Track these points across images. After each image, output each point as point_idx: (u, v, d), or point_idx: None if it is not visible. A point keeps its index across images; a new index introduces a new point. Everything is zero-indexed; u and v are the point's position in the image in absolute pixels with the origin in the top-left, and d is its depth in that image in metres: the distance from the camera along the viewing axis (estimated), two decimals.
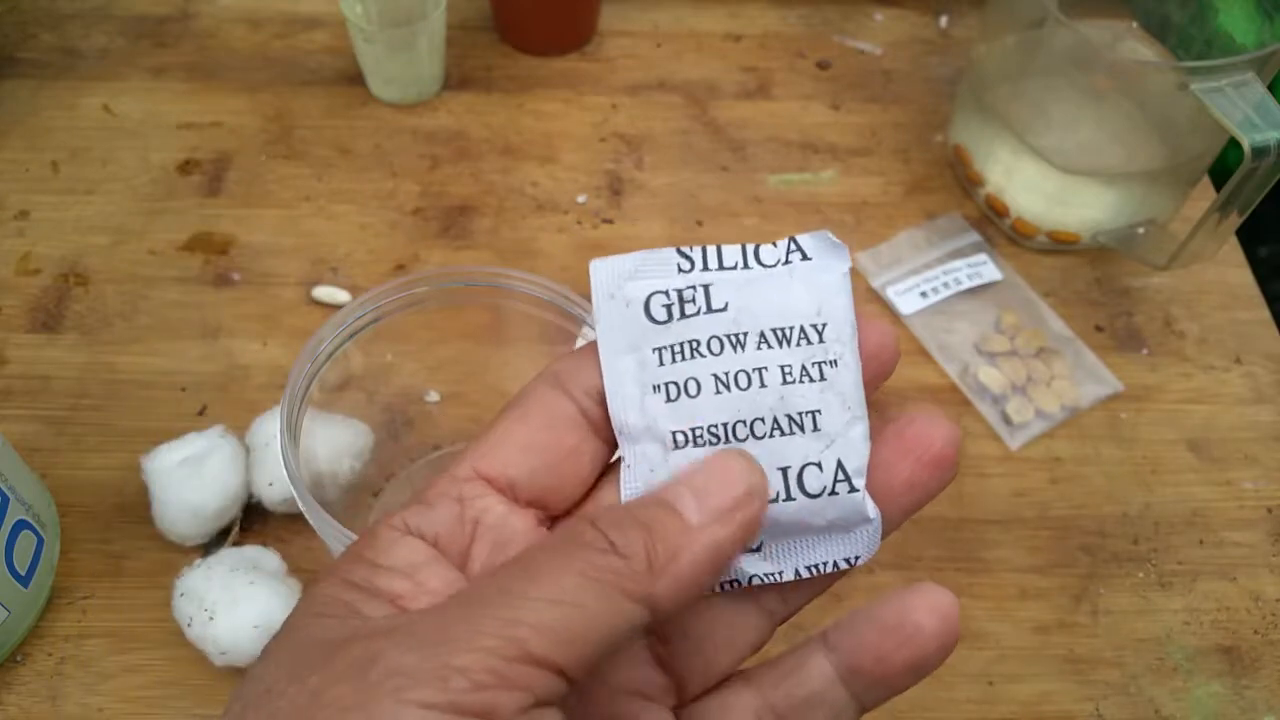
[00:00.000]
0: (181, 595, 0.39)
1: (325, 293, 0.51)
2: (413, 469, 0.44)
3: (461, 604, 0.18)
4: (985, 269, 0.53)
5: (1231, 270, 0.55)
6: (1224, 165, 0.50)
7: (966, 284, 0.53)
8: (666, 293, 0.21)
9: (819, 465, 0.21)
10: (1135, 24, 0.55)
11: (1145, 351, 0.52)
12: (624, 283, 0.22)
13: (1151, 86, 0.51)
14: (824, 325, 0.21)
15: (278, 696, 0.17)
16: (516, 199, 0.56)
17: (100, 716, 0.39)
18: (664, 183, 0.57)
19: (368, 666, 0.17)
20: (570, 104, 0.61)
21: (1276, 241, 0.76)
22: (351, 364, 0.36)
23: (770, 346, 0.21)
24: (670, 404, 0.21)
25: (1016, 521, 0.46)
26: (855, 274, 0.54)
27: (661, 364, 0.21)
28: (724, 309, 0.21)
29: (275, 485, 0.42)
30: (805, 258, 0.22)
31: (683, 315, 0.21)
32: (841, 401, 0.21)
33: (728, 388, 0.21)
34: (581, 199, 0.56)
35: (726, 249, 0.22)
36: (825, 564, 0.22)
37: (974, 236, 0.55)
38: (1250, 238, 0.56)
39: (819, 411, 0.21)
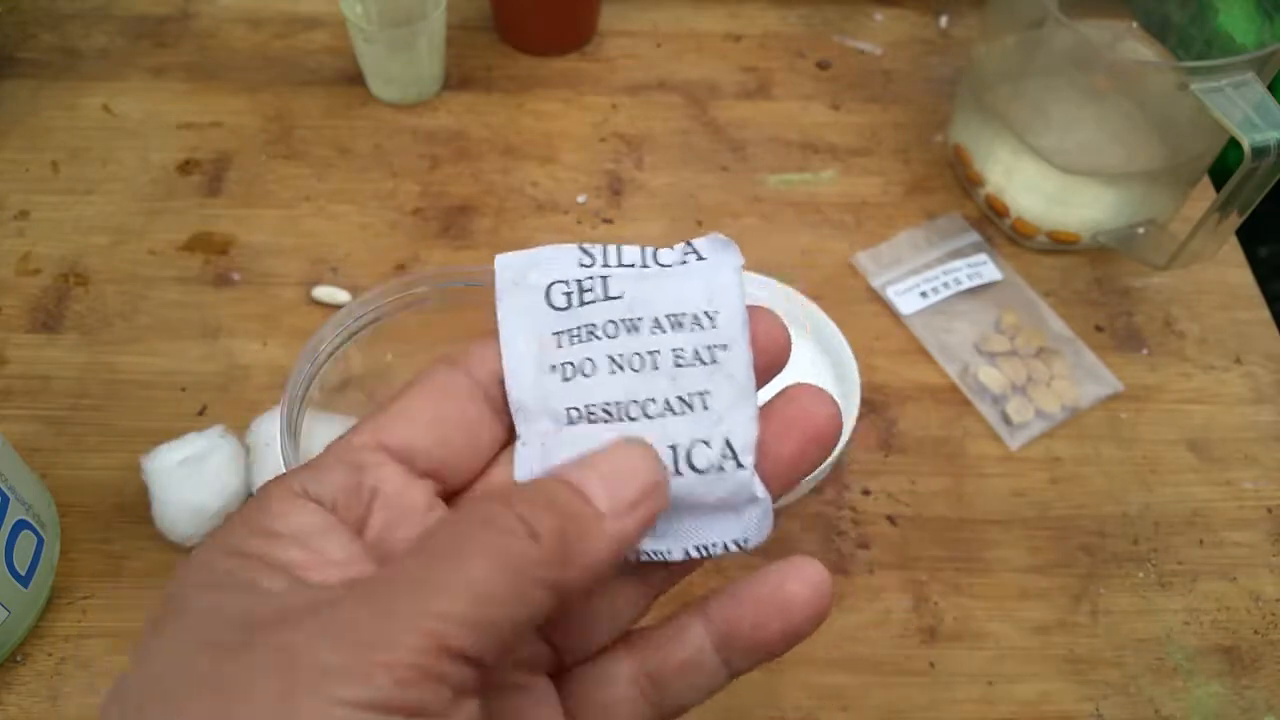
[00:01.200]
0: None
1: (325, 293, 0.51)
2: None
3: (379, 593, 0.17)
4: (985, 269, 0.53)
5: (1231, 270, 0.55)
6: (1224, 165, 0.50)
7: (966, 284, 0.53)
8: (567, 282, 0.22)
9: (707, 443, 0.21)
10: (1135, 24, 0.55)
11: (1145, 351, 0.52)
12: (527, 272, 0.23)
13: (1151, 86, 0.51)
14: (716, 313, 0.22)
15: (184, 695, 0.17)
16: (516, 199, 0.56)
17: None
18: (664, 183, 0.57)
19: (288, 664, 0.16)
20: (570, 104, 0.61)
21: (1277, 241, 0.76)
22: (351, 364, 0.36)
23: (664, 331, 0.22)
24: (566, 383, 0.22)
25: (1016, 521, 0.46)
26: (855, 273, 0.54)
27: (559, 346, 0.22)
28: (620, 297, 0.22)
29: None
30: (700, 258, 0.23)
31: (581, 303, 0.22)
32: (731, 383, 0.22)
33: (621, 368, 0.22)
34: (581, 199, 0.56)
35: (627, 249, 0.23)
36: (714, 545, 0.22)
37: (974, 236, 0.55)
38: (1250, 238, 0.56)
39: (708, 392, 0.22)
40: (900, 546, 0.45)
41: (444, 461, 0.22)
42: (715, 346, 0.22)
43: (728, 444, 0.21)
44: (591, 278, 0.22)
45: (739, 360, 0.22)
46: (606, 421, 0.22)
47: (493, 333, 0.23)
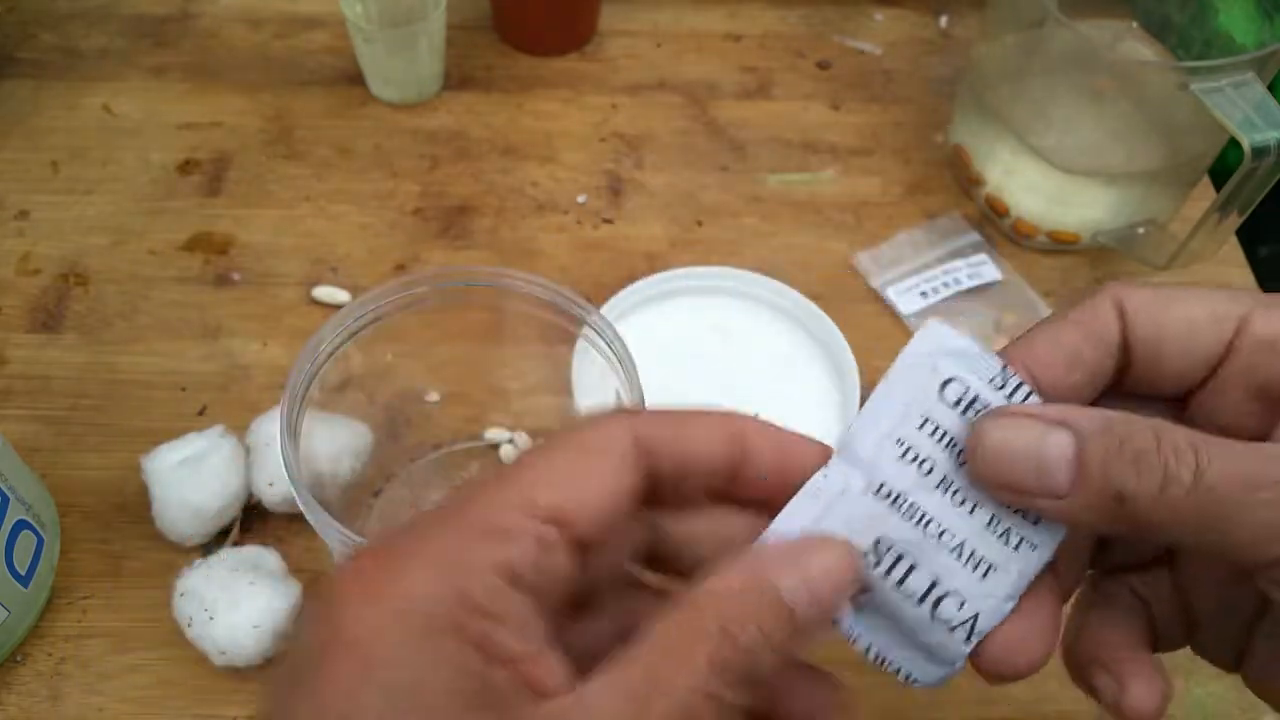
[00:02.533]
0: (181, 595, 0.39)
1: (325, 293, 0.51)
2: (413, 469, 0.44)
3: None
4: (985, 269, 0.53)
5: (1231, 270, 0.55)
6: (1224, 165, 0.50)
7: (966, 284, 0.53)
8: (968, 390, 0.22)
9: (961, 603, 0.22)
10: (1135, 24, 0.55)
11: None
12: (941, 357, 0.23)
13: (1151, 86, 0.51)
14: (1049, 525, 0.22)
15: None
16: (516, 199, 0.56)
17: (100, 716, 0.39)
18: (664, 183, 0.57)
19: None
20: (570, 104, 0.61)
21: (1276, 242, 0.76)
22: (351, 364, 0.36)
23: (1004, 501, 0.22)
24: (900, 461, 0.22)
25: None
26: (855, 273, 0.54)
27: (919, 429, 0.22)
28: None
29: (275, 485, 0.42)
30: None
31: (963, 412, 0.22)
32: (1016, 578, 0.22)
33: (947, 491, 0.22)
34: (581, 199, 0.56)
35: (1032, 397, 0.23)
36: (895, 667, 0.23)
37: (974, 236, 0.55)
38: (1250, 238, 0.56)
39: (995, 568, 0.22)
40: None
41: (580, 517, 0.21)
42: (1026, 541, 0.22)
43: (975, 619, 0.22)
44: (988, 401, 0.22)
45: (1033, 565, 0.22)
46: (905, 520, 0.22)
47: (675, 415, 0.23)
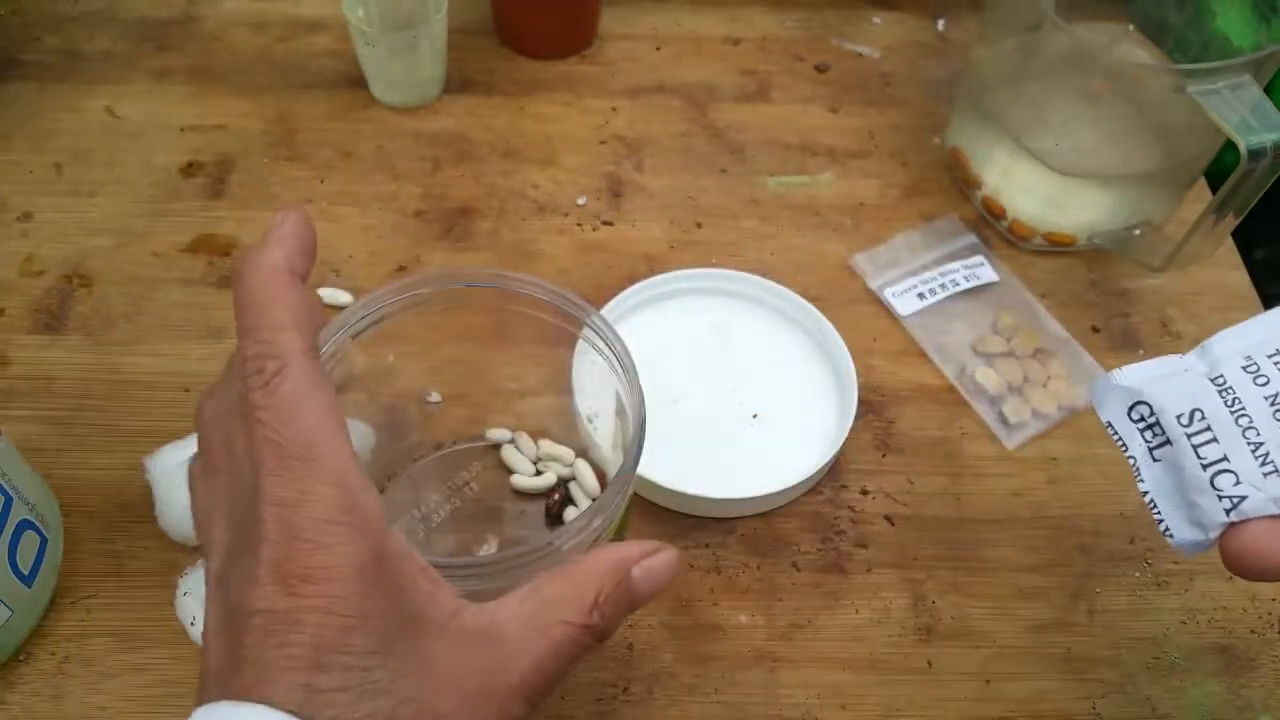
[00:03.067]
0: (185, 594, 0.39)
1: (328, 294, 0.51)
2: (414, 469, 0.44)
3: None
4: (982, 270, 0.54)
5: (1228, 272, 0.55)
6: (1220, 167, 0.50)
7: (964, 285, 0.53)
8: None
9: (1236, 481, 0.26)
10: (1132, 27, 0.55)
11: (1141, 352, 0.52)
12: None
13: (1148, 89, 0.51)
14: None
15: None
16: (517, 201, 0.56)
17: (103, 715, 0.39)
18: (663, 185, 0.57)
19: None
20: (570, 107, 0.61)
21: (1272, 243, 0.76)
22: (354, 364, 0.36)
23: None
24: (1242, 369, 0.27)
25: (1013, 521, 0.46)
26: (853, 275, 0.54)
27: (1269, 356, 0.27)
28: None
29: None
30: None
31: None
32: None
33: (1271, 404, 0.26)
34: (581, 201, 0.56)
35: None
36: (1160, 516, 0.27)
37: (971, 238, 0.55)
38: (1246, 239, 0.57)
39: (1279, 474, 0.26)
40: (898, 546, 0.45)
41: None
42: None
43: (1241, 500, 0.26)
44: None
45: None
46: (1224, 405, 0.26)
47: None
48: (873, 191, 0.58)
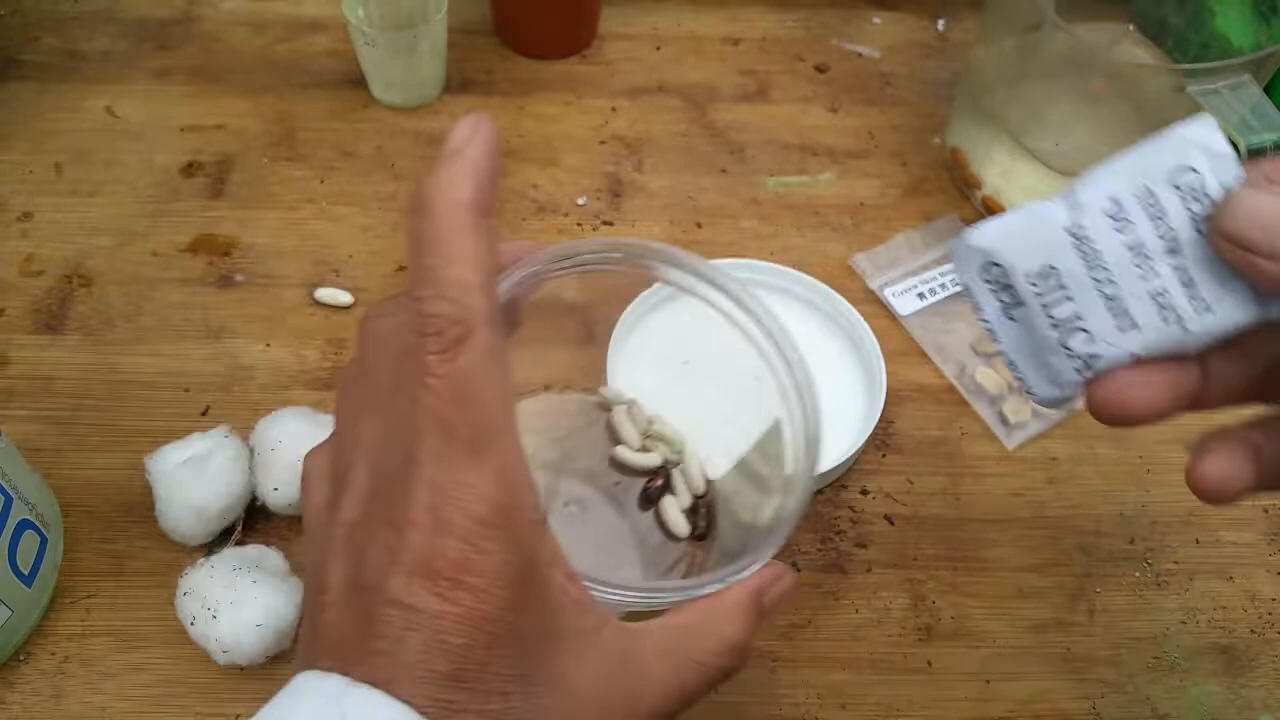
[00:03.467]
0: (185, 594, 0.39)
1: (328, 294, 0.51)
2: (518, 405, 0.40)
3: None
4: None
5: None
6: None
7: None
8: (1204, 186, 0.24)
9: (1090, 340, 0.25)
10: (1132, 27, 0.55)
11: None
12: (1197, 150, 0.25)
13: (1148, 89, 0.51)
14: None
15: None
16: (517, 201, 0.56)
17: (103, 715, 0.39)
18: (663, 185, 0.57)
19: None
20: (570, 107, 0.61)
21: None
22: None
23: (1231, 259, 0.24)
24: (1106, 215, 0.25)
25: (1013, 521, 0.46)
26: (853, 275, 0.54)
27: (1137, 198, 0.25)
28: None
29: (280, 490, 0.42)
30: None
31: (1187, 203, 0.25)
32: (1152, 341, 0.25)
33: (1134, 254, 0.25)
34: (581, 201, 0.56)
35: None
36: (1021, 375, 0.26)
37: None
38: None
39: (1136, 328, 0.25)
40: (898, 546, 0.45)
41: None
42: (1182, 324, 0.24)
43: (1093, 358, 0.25)
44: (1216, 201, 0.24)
45: (1170, 340, 0.25)
46: (1080, 260, 0.25)
47: None
48: (873, 191, 0.58)
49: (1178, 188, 0.24)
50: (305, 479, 0.26)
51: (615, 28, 0.65)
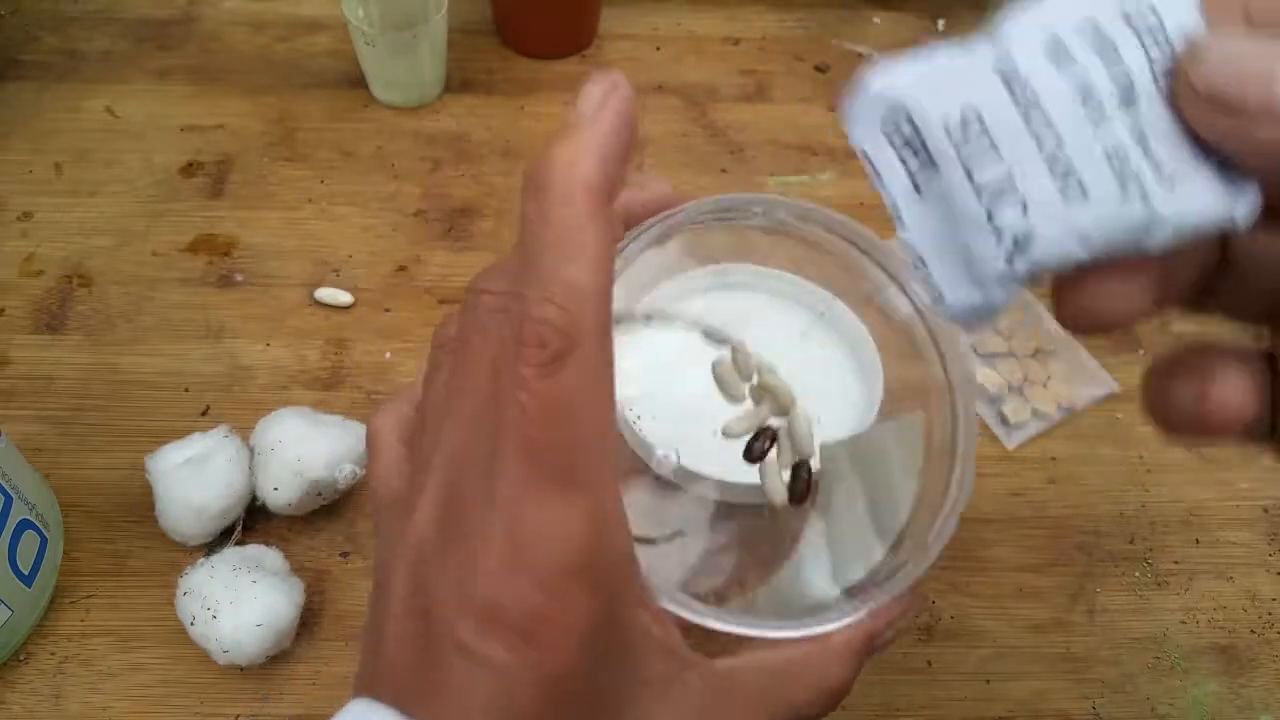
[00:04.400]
0: (184, 594, 0.39)
1: (327, 294, 0.51)
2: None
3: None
4: None
5: None
6: None
7: None
8: (1161, 23, 0.18)
9: (1023, 211, 0.19)
10: None
11: (1141, 352, 0.52)
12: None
13: None
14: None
15: None
16: (517, 201, 0.56)
17: (103, 715, 0.39)
18: None
19: None
20: (570, 107, 0.61)
21: None
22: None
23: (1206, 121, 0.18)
24: (1044, 54, 0.19)
25: (1013, 521, 0.46)
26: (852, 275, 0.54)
27: (1080, 33, 0.19)
28: None
29: (280, 490, 0.42)
30: None
31: (1140, 40, 0.18)
32: (1108, 220, 0.19)
33: (1080, 103, 0.19)
34: None
35: None
36: (928, 274, 0.20)
37: None
38: None
39: (1086, 198, 0.19)
40: None
41: None
42: (1144, 196, 0.18)
43: (1026, 237, 0.19)
44: (1174, 39, 0.18)
45: (1133, 219, 0.19)
46: (1012, 105, 0.18)
47: None
48: (873, 191, 0.58)
49: (1129, 22, 0.18)
50: (374, 444, 0.24)
51: (615, 28, 0.65)
